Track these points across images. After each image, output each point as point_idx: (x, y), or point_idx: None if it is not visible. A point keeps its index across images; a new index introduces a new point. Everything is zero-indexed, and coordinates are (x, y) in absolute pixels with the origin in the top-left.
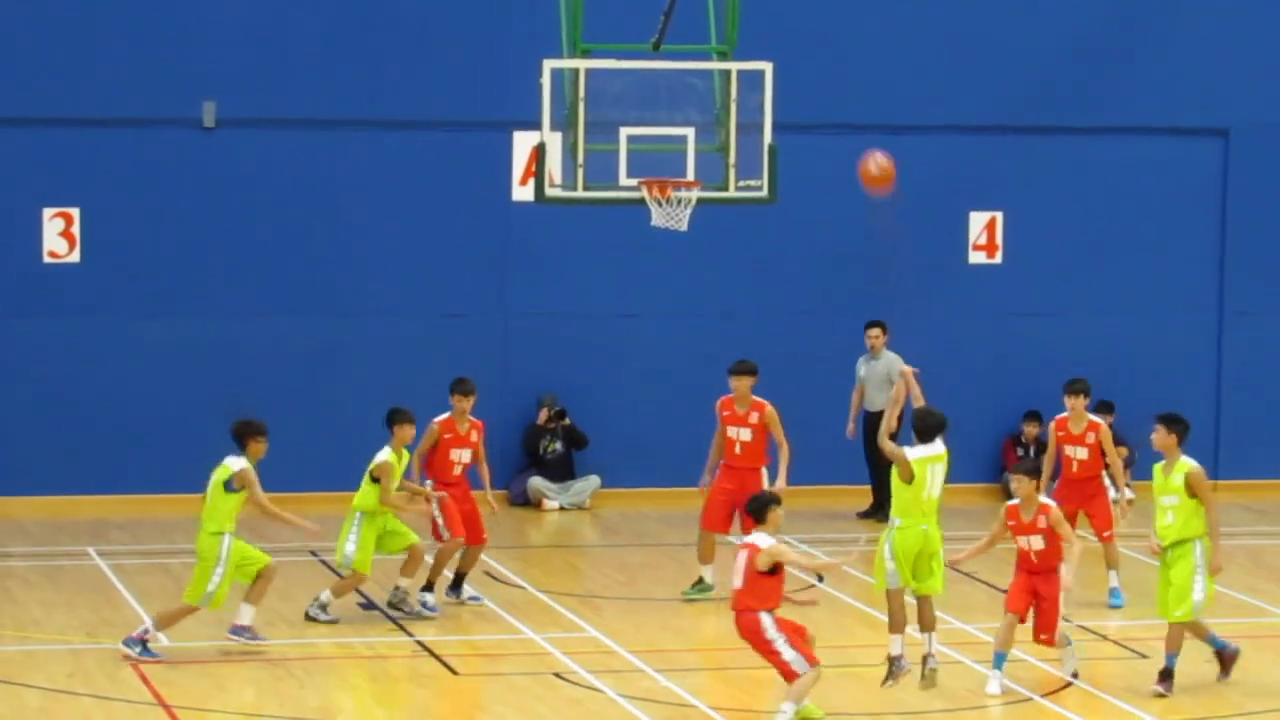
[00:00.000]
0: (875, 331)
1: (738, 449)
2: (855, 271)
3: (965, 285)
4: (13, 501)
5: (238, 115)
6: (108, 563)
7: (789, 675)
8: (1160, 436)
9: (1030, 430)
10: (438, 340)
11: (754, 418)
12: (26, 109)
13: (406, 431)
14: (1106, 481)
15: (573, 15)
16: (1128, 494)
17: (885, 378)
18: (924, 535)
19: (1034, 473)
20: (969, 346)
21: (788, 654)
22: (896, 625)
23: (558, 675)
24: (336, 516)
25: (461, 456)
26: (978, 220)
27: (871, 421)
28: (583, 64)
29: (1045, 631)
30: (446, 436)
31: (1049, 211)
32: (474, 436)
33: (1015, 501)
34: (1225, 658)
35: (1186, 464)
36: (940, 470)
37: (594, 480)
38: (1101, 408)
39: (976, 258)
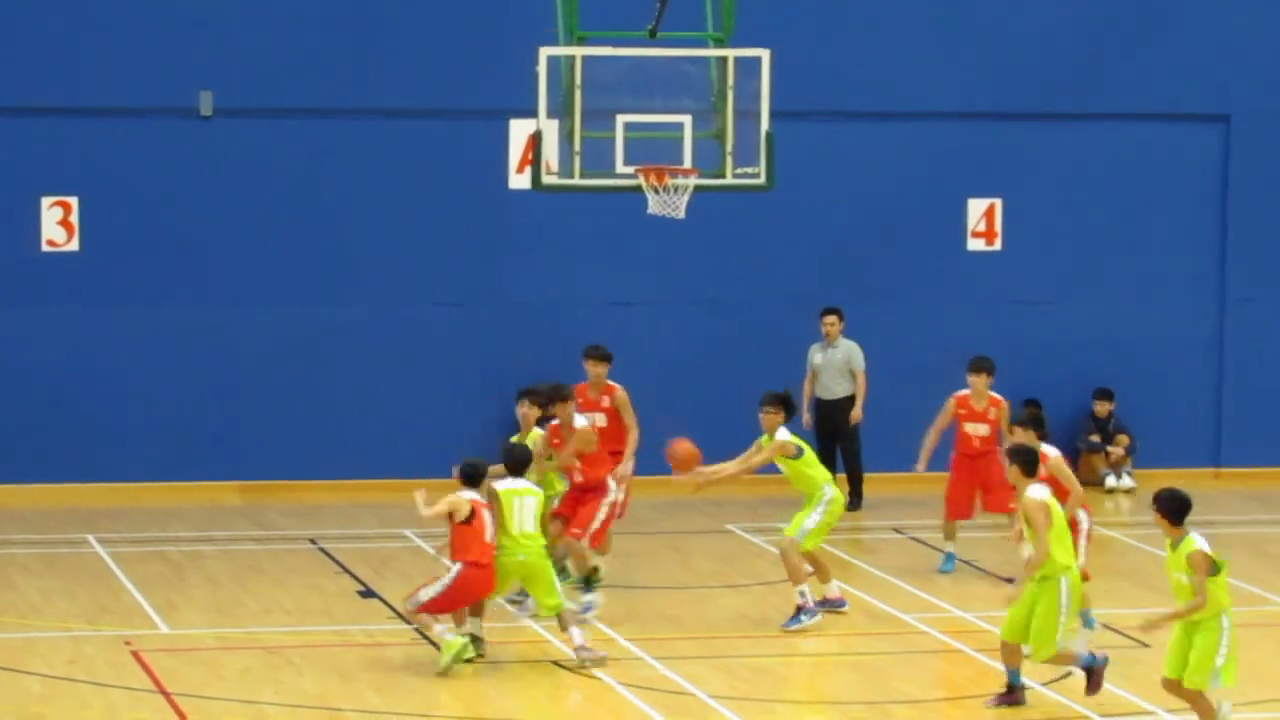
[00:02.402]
0: (831, 319)
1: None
2: (849, 256)
3: (964, 272)
4: (11, 490)
5: (234, 104)
6: (107, 550)
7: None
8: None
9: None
10: (434, 328)
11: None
12: (24, 98)
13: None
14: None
15: (569, 2)
16: (1126, 482)
17: (844, 366)
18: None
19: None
20: (968, 333)
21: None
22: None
23: (556, 664)
24: (333, 505)
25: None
26: (976, 207)
27: (825, 410)
28: (579, 51)
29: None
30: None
31: (1048, 198)
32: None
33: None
34: (1095, 673)
35: (1024, 495)
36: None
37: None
38: (1100, 395)
39: (975, 244)
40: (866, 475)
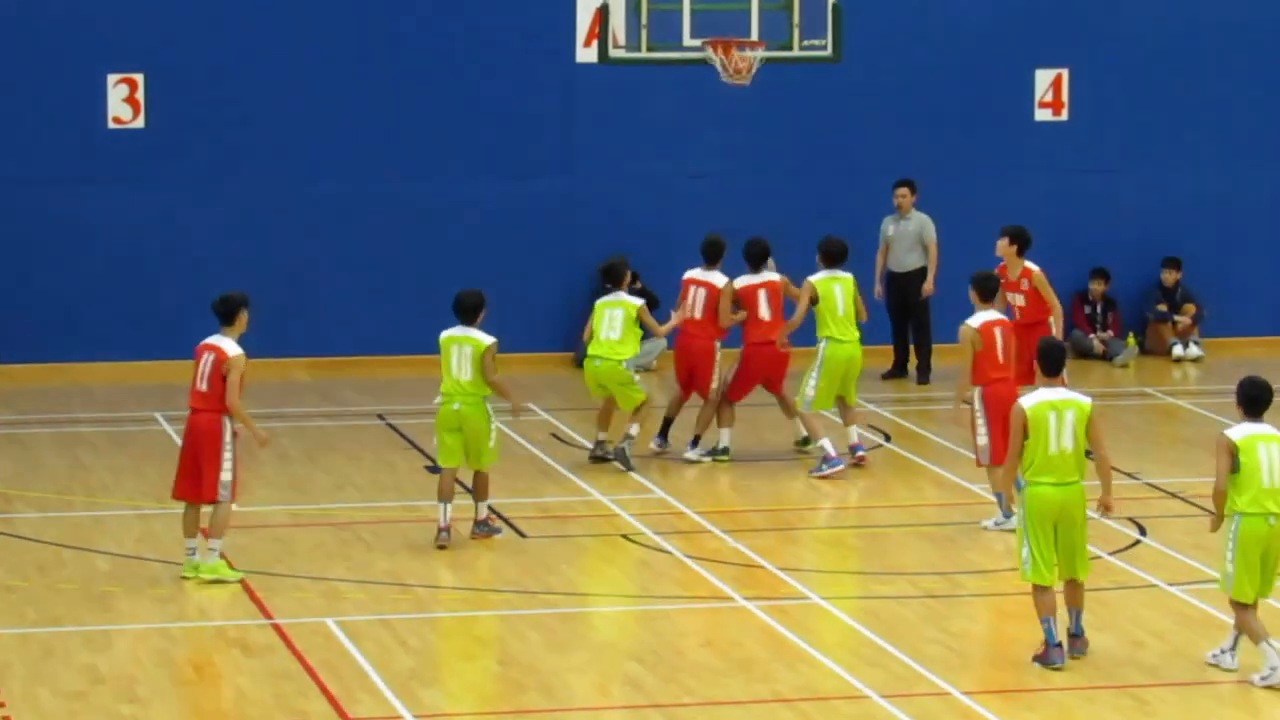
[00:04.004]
0: (903, 190)
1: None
2: (917, 128)
3: (1031, 143)
4: (80, 367)
5: None
6: (175, 428)
7: None
8: None
9: (1097, 288)
10: (504, 202)
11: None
12: None
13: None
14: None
15: None
16: (1194, 350)
17: (916, 238)
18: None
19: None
20: (1036, 205)
21: None
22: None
23: (625, 537)
24: (402, 380)
25: None
26: (1044, 77)
27: (897, 282)
28: None
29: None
30: None
31: (1115, 67)
32: None
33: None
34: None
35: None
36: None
37: (660, 342)
38: (1168, 264)
39: (1042, 115)
40: (935, 346)
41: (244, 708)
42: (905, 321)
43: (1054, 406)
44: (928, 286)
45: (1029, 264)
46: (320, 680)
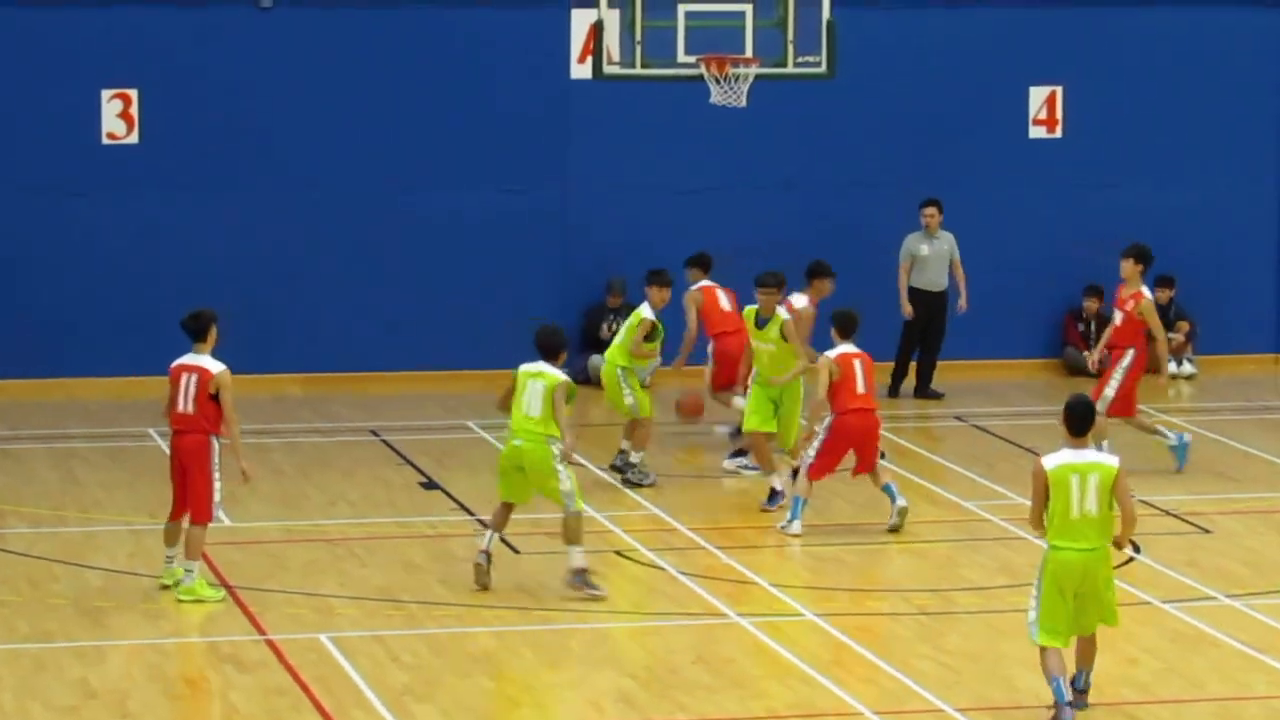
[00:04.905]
0: (931, 210)
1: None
2: (912, 145)
3: (1026, 160)
4: (74, 382)
5: None
6: (169, 443)
7: None
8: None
9: (1091, 305)
10: (498, 216)
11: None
12: None
13: (664, 294)
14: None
15: None
16: (1187, 368)
17: (949, 257)
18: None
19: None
20: (1029, 222)
21: None
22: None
23: (619, 553)
24: (395, 396)
25: None
26: (1038, 95)
27: (927, 300)
28: None
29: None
30: None
31: (1110, 84)
32: None
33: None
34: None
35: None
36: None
37: (656, 359)
38: (1161, 282)
39: (1037, 132)
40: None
41: None
42: (921, 340)
43: (1076, 469)
44: (963, 304)
45: (1144, 288)
46: (313, 696)
